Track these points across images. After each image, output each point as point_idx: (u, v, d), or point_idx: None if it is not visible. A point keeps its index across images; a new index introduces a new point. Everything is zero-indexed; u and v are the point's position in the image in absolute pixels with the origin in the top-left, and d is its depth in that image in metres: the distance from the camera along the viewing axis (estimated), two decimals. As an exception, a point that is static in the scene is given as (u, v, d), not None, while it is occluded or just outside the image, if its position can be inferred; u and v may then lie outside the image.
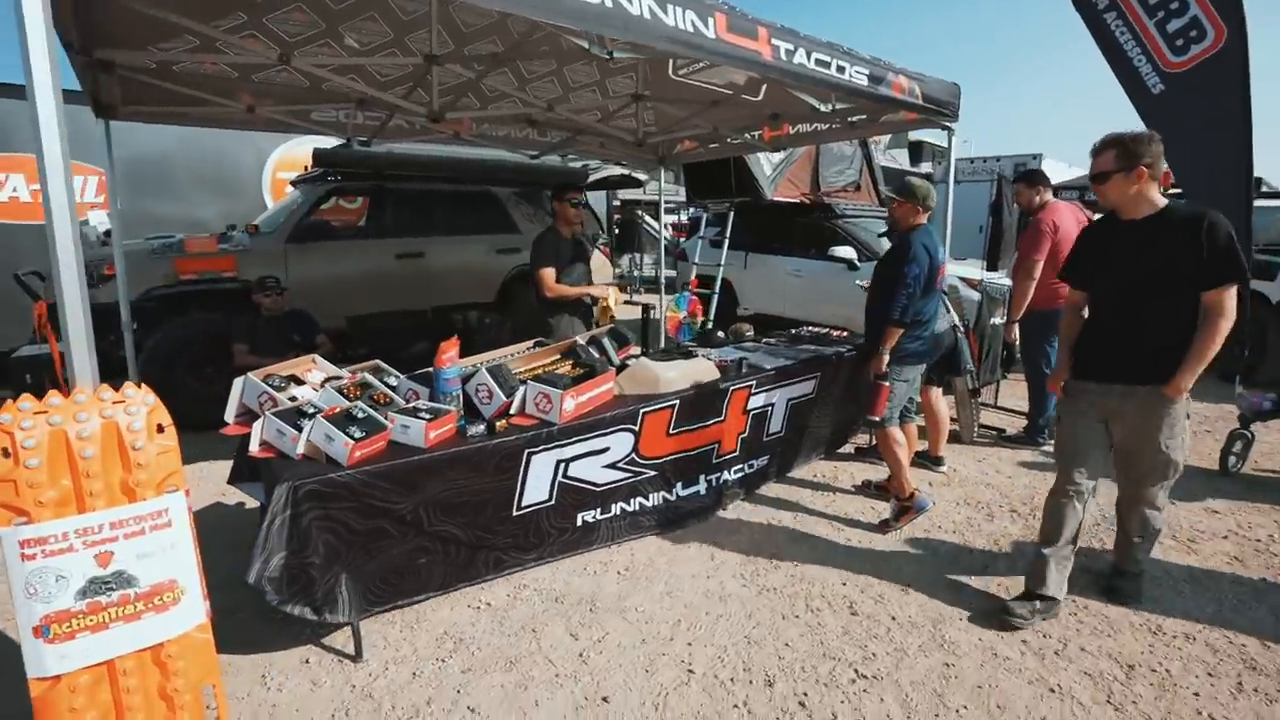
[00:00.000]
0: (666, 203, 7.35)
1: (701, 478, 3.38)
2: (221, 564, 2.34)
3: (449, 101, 4.44)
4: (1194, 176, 4.57)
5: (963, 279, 5.48)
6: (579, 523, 2.94)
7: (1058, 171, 13.97)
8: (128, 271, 4.12)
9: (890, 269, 3.24)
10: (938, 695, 2.14)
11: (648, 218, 14.99)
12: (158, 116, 4.31)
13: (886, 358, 3.14)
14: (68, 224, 1.46)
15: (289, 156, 7.15)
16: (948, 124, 4.14)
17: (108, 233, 4.82)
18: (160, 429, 1.59)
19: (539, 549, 2.82)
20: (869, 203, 7.62)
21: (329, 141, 5.81)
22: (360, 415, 2.24)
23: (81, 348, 1.52)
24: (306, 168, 6.02)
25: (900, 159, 17.21)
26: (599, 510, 2.99)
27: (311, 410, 2.24)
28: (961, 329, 4.19)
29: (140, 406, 1.57)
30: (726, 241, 7.21)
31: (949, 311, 3.98)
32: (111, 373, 4.57)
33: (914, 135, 23.56)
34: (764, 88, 4.30)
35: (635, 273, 13.42)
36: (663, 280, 7.20)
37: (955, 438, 4.44)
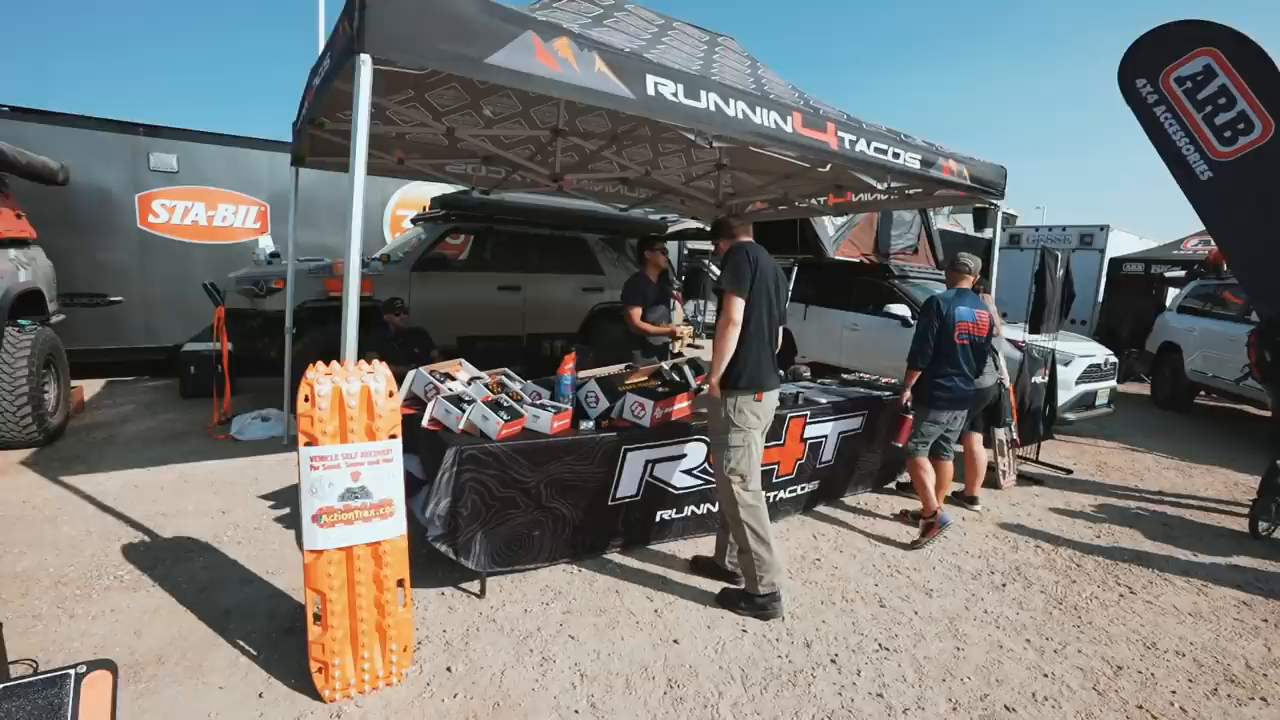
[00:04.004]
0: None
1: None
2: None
3: (566, 164, 5.29)
4: (1244, 255, 4.92)
5: (1009, 340, 5.89)
6: (657, 519, 3.52)
7: (1127, 244, 14.00)
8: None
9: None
10: (947, 668, 2.61)
11: (714, 267, 15.72)
12: (330, 165, 5.30)
13: (907, 394, 3.69)
14: (358, 258, 2.24)
15: (408, 197, 8.25)
16: (994, 201, 4.71)
17: (274, 254, 5.83)
18: (391, 394, 2.31)
19: (624, 536, 3.42)
20: (927, 265, 8.11)
21: (450, 188, 6.81)
22: (505, 404, 2.94)
23: (352, 339, 2.28)
24: (424, 208, 7.01)
25: (965, 224, 17.43)
26: (674, 510, 3.57)
27: (469, 398, 2.95)
28: (1006, 385, 4.65)
29: (382, 378, 2.29)
30: (789, 294, 7.81)
31: (998, 369, 4.45)
32: (273, 368, 5.44)
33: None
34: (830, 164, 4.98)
35: (700, 318, 14.09)
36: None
37: (994, 483, 4.83)
